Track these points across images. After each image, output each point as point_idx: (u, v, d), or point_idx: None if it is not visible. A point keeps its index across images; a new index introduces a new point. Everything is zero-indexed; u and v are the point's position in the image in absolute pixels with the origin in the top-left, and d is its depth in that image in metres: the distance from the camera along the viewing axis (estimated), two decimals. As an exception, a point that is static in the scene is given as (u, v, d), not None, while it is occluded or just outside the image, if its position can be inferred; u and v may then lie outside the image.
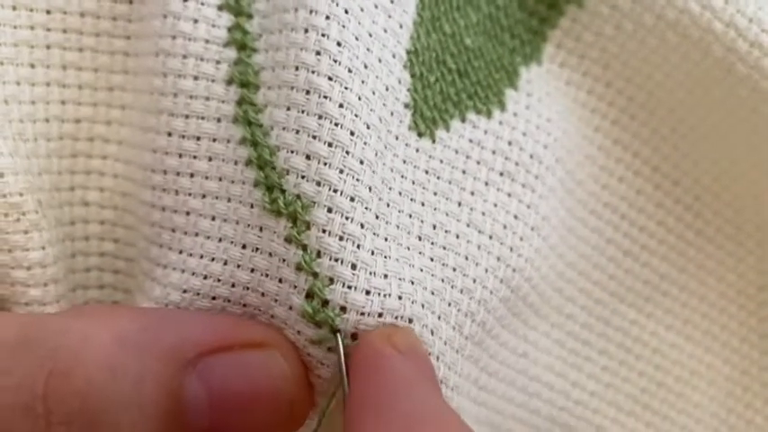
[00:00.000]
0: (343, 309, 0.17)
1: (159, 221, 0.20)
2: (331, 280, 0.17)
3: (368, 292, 0.17)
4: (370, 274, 0.18)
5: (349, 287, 0.17)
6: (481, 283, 0.20)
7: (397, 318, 0.18)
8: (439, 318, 0.19)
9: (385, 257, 0.18)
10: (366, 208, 0.18)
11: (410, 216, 0.19)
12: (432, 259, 0.19)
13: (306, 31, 0.18)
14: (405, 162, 0.20)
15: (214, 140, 0.19)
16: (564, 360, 0.25)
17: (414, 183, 0.20)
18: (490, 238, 0.21)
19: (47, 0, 0.20)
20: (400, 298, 0.18)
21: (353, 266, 0.17)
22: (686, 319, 0.26)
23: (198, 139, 0.19)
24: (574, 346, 0.25)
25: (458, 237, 0.20)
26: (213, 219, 0.19)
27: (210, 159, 0.19)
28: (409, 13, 0.20)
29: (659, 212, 0.25)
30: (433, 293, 0.19)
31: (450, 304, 0.19)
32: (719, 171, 0.25)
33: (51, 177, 0.21)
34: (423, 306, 0.18)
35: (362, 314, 0.17)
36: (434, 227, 0.20)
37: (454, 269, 0.19)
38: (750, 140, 0.24)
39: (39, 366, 0.17)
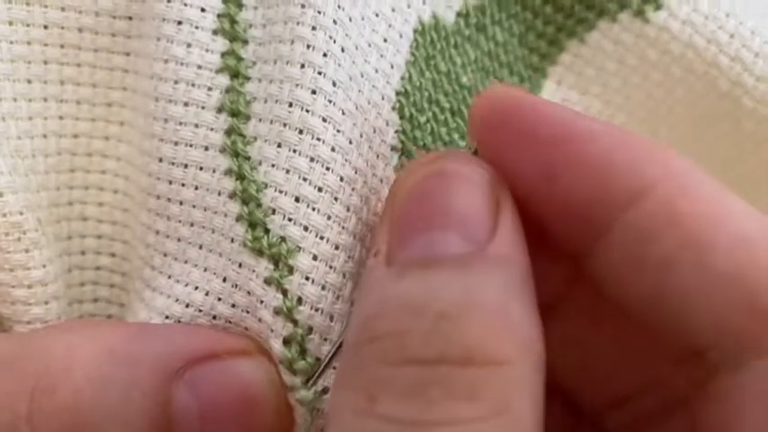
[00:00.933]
0: (318, 359, 0.17)
1: (153, 244, 0.19)
2: (310, 329, 0.17)
3: (331, 317, 0.17)
4: (341, 320, 0.17)
5: (325, 339, 0.17)
6: None
7: None
8: None
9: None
10: (349, 256, 0.17)
11: None
12: None
13: (302, 66, 0.18)
14: None
15: (200, 169, 0.18)
16: None
17: None
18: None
19: (44, 15, 0.20)
20: None
21: (331, 318, 0.17)
22: None
23: (186, 166, 0.18)
24: None
25: None
26: (200, 248, 0.18)
27: (197, 188, 0.18)
28: (402, 53, 0.20)
29: None
30: None
31: None
32: None
33: (50, 194, 0.21)
34: None
35: (334, 368, 0.17)
36: None
37: None
38: (756, 175, 0.24)
39: (22, 385, 0.17)
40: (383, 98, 0.19)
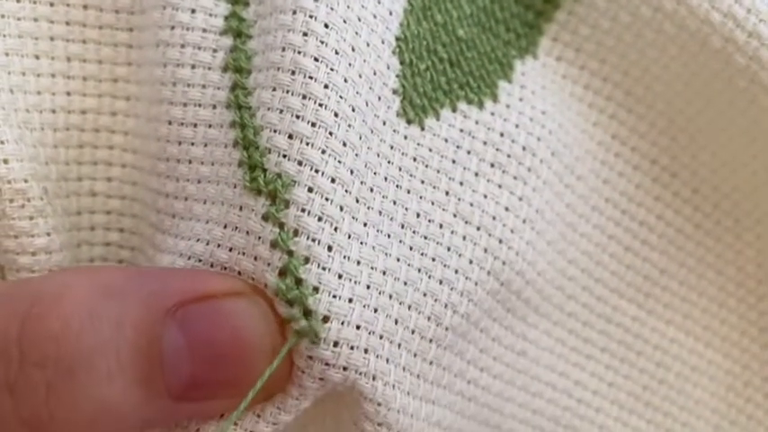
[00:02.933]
0: (316, 289, 0.17)
1: (163, 208, 0.20)
2: (306, 259, 0.17)
3: (340, 276, 0.17)
4: (345, 258, 0.18)
5: (323, 268, 0.17)
6: (464, 274, 0.20)
7: (364, 306, 0.18)
8: (409, 308, 0.19)
9: (361, 243, 0.18)
10: (347, 191, 0.18)
11: (394, 203, 0.19)
12: (411, 248, 0.19)
13: (294, 12, 0.18)
14: (392, 148, 0.20)
15: (209, 126, 0.19)
16: (566, 359, 0.25)
17: (400, 169, 0.20)
18: (477, 229, 0.21)
19: None
20: (368, 287, 0.18)
21: (329, 248, 0.17)
22: (686, 314, 0.26)
23: (195, 126, 0.19)
24: (576, 344, 0.25)
25: (441, 226, 0.20)
26: (204, 202, 0.19)
27: (206, 145, 0.19)
28: (399, 1, 0.20)
29: (658, 206, 0.25)
30: (405, 284, 0.19)
31: (425, 294, 0.19)
32: (718, 163, 0.25)
33: (58, 167, 0.21)
34: (390, 297, 0.18)
35: (334, 297, 0.17)
36: (418, 215, 0.20)
37: (433, 259, 0.19)
38: (749, 132, 0.24)
39: (14, 311, 0.17)
40: (383, 42, 0.20)
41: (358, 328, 0.17)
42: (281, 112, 0.18)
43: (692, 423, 0.26)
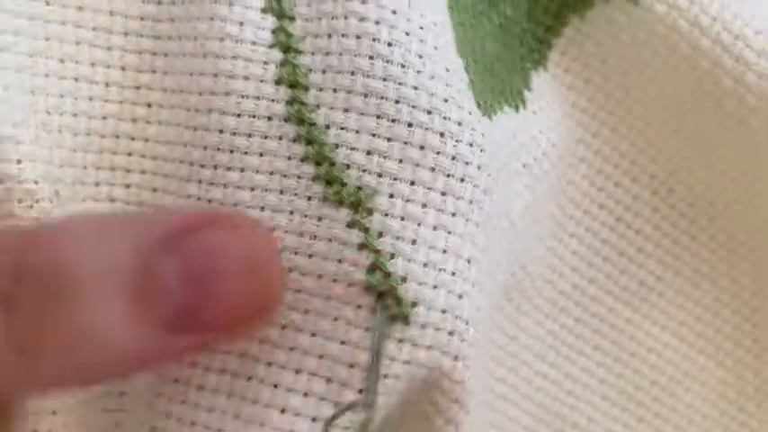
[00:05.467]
0: (404, 279, 0.19)
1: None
2: (392, 255, 0.19)
3: (425, 265, 0.19)
4: (430, 248, 0.19)
5: (409, 260, 0.19)
6: (502, 263, 0.21)
7: (449, 292, 0.19)
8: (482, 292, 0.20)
9: (448, 233, 0.19)
10: (429, 188, 0.19)
11: (485, 192, 0.20)
12: (490, 238, 0.20)
13: (358, 37, 0.19)
14: (483, 136, 0.20)
15: (265, 138, 0.20)
16: (557, 351, 0.26)
17: (490, 156, 0.20)
18: (512, 224, 0.22)
19: None
20: (453, 274, 0.19)
21: (414, 242, 0.19)
22: (681, 322, 0.27)
23: (249, 135, 0.20)
24: (567, 338, 0.26)
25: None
26: (262, 209, 0.19)
27: (261, 155, 0.20)
28: (440, 15, 0.21)
29: (655, 217, 0.27)
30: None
31: (486, 275, 0.20)
32: (712, 180, 0.26)
33: (75, 171, 0.21)
34: (473, 285, 0.19)
35: (420, 284, 0.19)
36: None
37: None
38: (739, 150, 0.25)
39: (14, 239, 0.17)
40: (447, 43, 0.21)
41: (443, 312, 0.19)
42: (357, 132, 0.19)
43: (682, 426, 0.27)
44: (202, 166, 0.20)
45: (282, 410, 0.19)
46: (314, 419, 0.18)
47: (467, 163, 0.19)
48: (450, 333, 0.19)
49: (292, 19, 0.20)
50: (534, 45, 0.25)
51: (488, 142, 0.20)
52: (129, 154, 0.22)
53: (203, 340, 0.17)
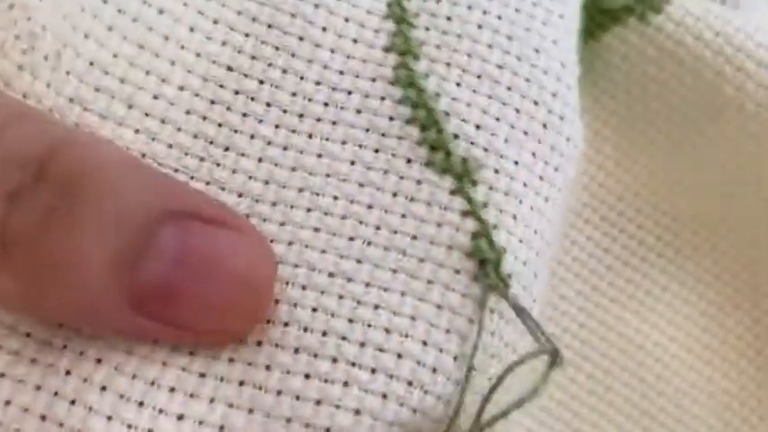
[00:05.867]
0: (505, 250, 0.18)
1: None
2: (495, 226, 0.19)
3: (521, 241, 0.19)
4: (526, 227, 0.19)
5: (510, 233, 0.19)
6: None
7: (533, 273, 0.19)
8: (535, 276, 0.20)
9: (540, 215, 0.19)
10: (530, 170, 0.19)
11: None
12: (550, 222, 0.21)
13: (479, 27, 0.20)
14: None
15: (367, 96, 0.20)
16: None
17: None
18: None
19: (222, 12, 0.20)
20: (537, 254, 0.19)
21: (514, 217, 0.19)
22: (688, 333, 0.27)
23: (350, 93, 0.20)
24: (572, 343, 0.26)
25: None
26: (353, 164, 0.19)
27: (360, 112, 0.19)
28: None
29: (657, 229, 0.27)
30: (537, 254, 0.20)
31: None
32: (714, 189, 0.27)
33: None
34: (542, 266, 0.20)
35: (516, 258, 0.19)
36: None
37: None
38: (740, 157, 0.26)
39: (47, 129, 0.16)
40: (565, 36, 0.21)
41: (524, 288, 0.19)
42: (469, 105, 0.19)
43: None
44: (285, 111, 0.19)
45: (373, 371, 0.17)
46: (410, 383, 0.17)
47: (561, 155, 0.20)
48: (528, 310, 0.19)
49: None
50: None
51: (580, 142, 0.21)
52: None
53: (166, 333, 0.16)
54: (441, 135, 0.19)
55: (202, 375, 0.17)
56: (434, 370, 0.17)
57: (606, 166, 0.27)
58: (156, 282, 0.15)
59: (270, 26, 0.20)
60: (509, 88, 0.20)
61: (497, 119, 0.20)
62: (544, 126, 0.20)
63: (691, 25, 0.26)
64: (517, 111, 0.20)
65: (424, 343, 0.17)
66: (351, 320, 0.17)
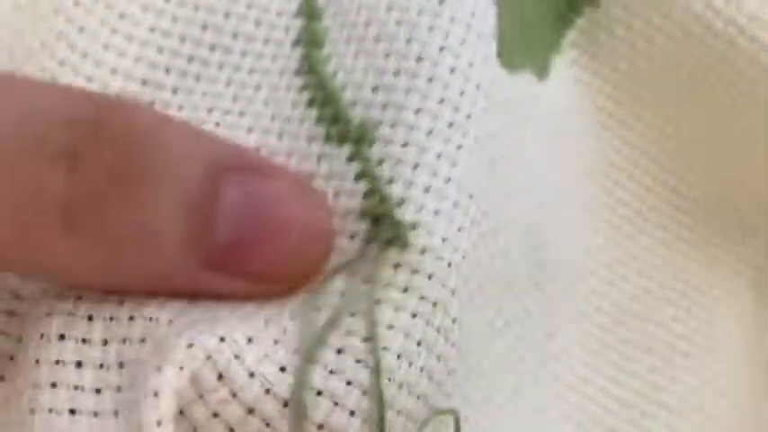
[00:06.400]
0: (403, 200, 0.18)
1: None
2: (392, 179, 0.18)
3: (427, 190, 0.18)
4: (432, 174, 0.18)
5: (409, 183, 0.18)
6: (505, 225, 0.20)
7: (449, 221, 0.18)
8: (492, 235, 0.20)
9: (451, 163, 0.18)
10: (436, 117, 0.18)
11: (487, 135, 0.20)
12: (501, 176, 0.20)
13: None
14: (491, 83, 0.20)
15: (274, 89, 0.20)
16: (602, 356, 0.24)
17: (493, 105, 0.20)
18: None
19: None
20: (455, 205, 0.18)
21: (416, 166, 0.18)
22: (725, 315, 0.26)
23: (258, 88, 0.20)
24: (612, 342, 0.25)
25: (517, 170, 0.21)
26: (257, 151, 0.19)
27: (267, 103, 0.20)
28: None
29: (668, 209, 0.26)
30: (484, 213, 0.19)
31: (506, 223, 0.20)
32: (725, 162, 0.27)
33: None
34: (472, 222, 0.18)
35: (421, 208, 0.17)
36: (503, 155, 0.20)
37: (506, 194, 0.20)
38: (751, 132, 0.26)
39: (105, 96, 0.16)
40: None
41: (444, 240, 0.17)
42: (365, 71, 0.19)
43: None
44: (210, 110, 0.20)
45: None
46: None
47: (473, 103, 0.19)
48: (449, 265, 0.18)
49: None
50: (550, 33, 0.25)
51: (497, 91, 0.20)
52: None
53: (238, 287, 0.16)
54: (337, 106, 0.19)
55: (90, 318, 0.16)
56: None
57: (614, 145, 0.26)
58: (228, 241, 0.15)
59: (182, 39, 0.20)
60: (408, 41, 0.19)
61: (396, 73, 0.19)
62: (451, 71, 0.19)
63: None
64: (419, 58, 0.19)
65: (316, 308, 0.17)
66: None
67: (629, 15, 0.25)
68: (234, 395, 0.15)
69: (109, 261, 0.15)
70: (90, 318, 0.16)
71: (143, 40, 0.20)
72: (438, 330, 0.17)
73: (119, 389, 0.15)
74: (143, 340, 0.16)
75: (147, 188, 0.15)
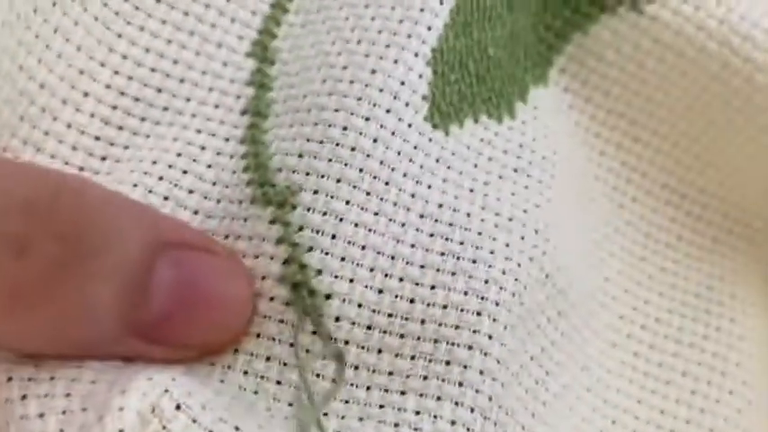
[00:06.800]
0: (320, 271, 0.19)
1: None
2: (310, 248, 0.19)
3: (343, 259, 0.19)
4: (349, 243, 0.19)
5: (326, 253, 0.19)
6: (503, 254, 0.20)
7: (367, 287, 0.19)
8: (432, 287, 0.20)
9: (369, 230, 0.19)
10: (354, 186, 0.19)
11: (413, 195, 0.20)
12: (431, 234, 0.20)
13: (318, 69, 0.21)
14: (415, 148, 0.21)
15: (218, 154, 0.21)
16: (641, 385, 0.24)
17: (422, 167, 0.21)
18: (510, 219, 0.21)
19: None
20: (372, 270, 0.19)
21: (333, 237, 0.19)
22: (752, 326, 0.26)
23: (203, 148, 0.21)
24: (648, 369, 0.24)
25: (469, 215, 0.20)
26: (195, 212, 0.20)
27: (210, 166, 0.21)
28: (442, 16, 0.22)
29: (674, 227, 0.26)
30: (422, 267, 0.19)
31: (454, 273, 0.19)
32: (723, 177, 0.26)
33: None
34: (400, 279, 0.19)
35: (336, 277, 0.19)
36: (440, 206, 0.20)
37: (461, 242, 0.20)
38: (748, 148, 0.25)
39: (50, 177, 0.16)
40: (416, 55, 0.21)
41: (360, 306, 0.19)
42: (294, 139, 0.20)
43: None
44: (141, 161, 0.21)
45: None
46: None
47: (392, 169, 0.20)
48: (369, 328, 0.19)
49: (273, 63, 0.22)
50: (537, 60, 0.25)
51: (422, 154, 0.21)
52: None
53: (158, 353, 0.17)
54: (266, 172, 0.20)
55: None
56: None
57: (614, 168, 0.25)
58: (158, 313, 0.17)
59: (137, 99, 0.21)
60: (336, 110, 0.20)
61: (320, 141, 0.20)
62: (374, 141, 0.20)
63: (690, 14, 0.24)
64: (344, 128, 0.20)
65: (245, 373, 0.19)
66: None
67: (617, 40, 0.24)
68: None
69: (53, 335, 0.16)
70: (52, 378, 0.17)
71: (99, 96, 0.20)
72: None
73: None
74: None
75: (89, 267, 0.16)
